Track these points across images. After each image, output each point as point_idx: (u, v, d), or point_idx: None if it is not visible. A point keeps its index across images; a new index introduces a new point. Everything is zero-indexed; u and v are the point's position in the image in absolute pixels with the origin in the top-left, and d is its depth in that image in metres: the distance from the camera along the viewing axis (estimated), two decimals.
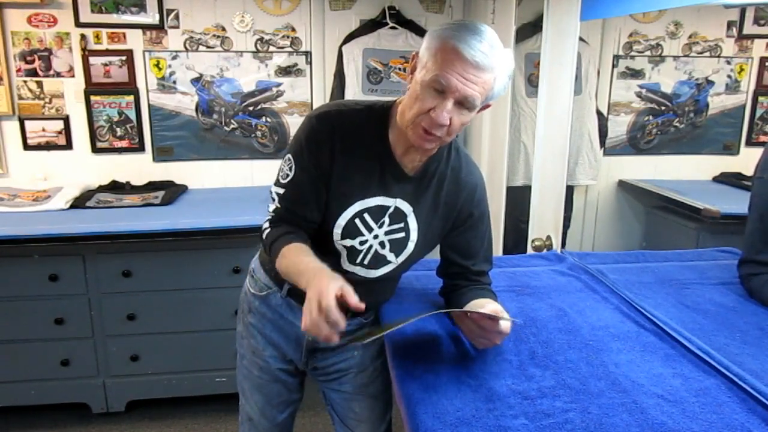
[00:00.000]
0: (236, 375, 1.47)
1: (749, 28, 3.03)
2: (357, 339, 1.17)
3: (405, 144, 1.13)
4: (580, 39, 2.07)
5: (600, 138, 2.92)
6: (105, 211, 2.39)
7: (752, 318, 1.31)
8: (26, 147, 2.66)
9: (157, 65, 2.69)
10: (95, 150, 2.72)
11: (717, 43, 3.04)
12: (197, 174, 2.85)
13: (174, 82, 2.72)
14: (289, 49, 2.79)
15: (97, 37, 2.60)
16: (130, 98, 2.69)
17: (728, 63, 3.07)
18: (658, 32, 3.00)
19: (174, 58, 2.70)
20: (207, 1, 2.67)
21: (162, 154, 2.79)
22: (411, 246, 1.23)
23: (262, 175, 2.89)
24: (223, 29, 2.71)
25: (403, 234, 1.21)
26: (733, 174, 3.11)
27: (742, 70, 3.08)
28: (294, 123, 2.84)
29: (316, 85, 2.85)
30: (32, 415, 2.42)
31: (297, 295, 1.26)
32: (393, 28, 2.74)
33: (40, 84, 2.62)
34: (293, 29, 2.77)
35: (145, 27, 2.64)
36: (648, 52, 3.02)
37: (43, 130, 2.66)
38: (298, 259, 1.11)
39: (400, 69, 2.76)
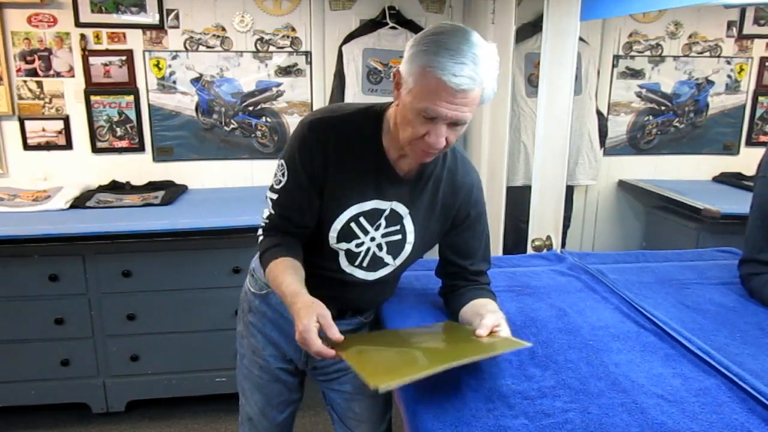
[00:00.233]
0: (236, 375, 1.47)
1: (749, 28, 3.03)
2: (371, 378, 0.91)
3: (399, 148, 1.12)
4: (580, 39, 2.07)
5: (600, 138, 2.92)
6: (105, 211, 2.38)
7: (752, 318, 1.31)
8: (26, 147, 2.66)
9: (157, 65, 2.69)
10: (95, 150, 2.72)
11: (717, 43, 3.04)
12: (197, 174, 2.85)
13: (174, 82, 2.72)
14: (289, 49, 2.79)
15: (97, 37, 2.60)
16: (130, 98, 2.69)
17: (728, 63, 3.07)
18: (658, 32, 3.00)
19: (174, 58, 2.70)
20: (207, 1, 2.67)
21: (162, 154, 2.79)
22: (408, 248, 1.23)
23: (262, 175, 2.89)
24: (223, 29, 2.71)
25: (399, 236, 1.21)
26: (733, 174, 3.11)
27: (742, 70, 3.08)
28: (294, 123, 2.83)
29: (316, 85, 2.85)
30: (32, 415, 2.42)
31: None
32: (393, 28, 2.75)
33: (40, 84, 2.62)
34: (293, 29, 2.77)
35: (145, 27, 2.64)
36: (648, 52, 3.02)
37: (43, 130, 2.65)
38: (282, 278, 1.12)
39: None
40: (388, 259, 1.23)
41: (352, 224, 1.17)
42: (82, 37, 2.58)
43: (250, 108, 2.82)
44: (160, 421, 2.45)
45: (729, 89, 3.10)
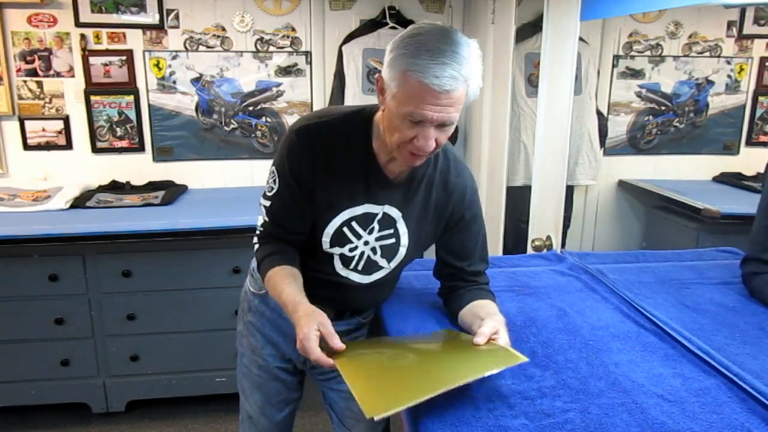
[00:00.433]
0: (236, 374, 1.47)
1: (749, 28, 3.03)
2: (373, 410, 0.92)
3: (389, 152, 1.11)
4: (580, 39, 2.07)
5: (600, 138, 2.92)
6: (105, 211, 2.39)
7: (752, 318, 1.31)
8: (26, 147, 2.66)
9: (157, 65, 2.69)
10: (95, 150, 2.72)
11: (717, 43, 3.04)
12: (197, 174, 2.85)
13: (174, 82, 2.72)
14: (289, 49, 2.79)
15: (97, 37, 2.60)
16: (130, 98, 2.69)
17: (728, 63, 3.07)
18: (658, 32, 3.00)
19: (174, 58, 2.70)
20: (207, 1, 2.67)
21: (162, 154, 2.79)
22: (402, 251, 1.23)
23: (262, 175, 2.84)
24: (223, 29, 2.71)
25: (393, 240, 1.21)
26: (733, 174, 3.11)
27: (742, 70, 3.08)
28: None
29: (316, 85, 2.85)
30: (32, 415, 2.42)
31: None
32: (393, 28, 2.74)
33: (40, 84, 2.62)
34: (293, 29, 2.77)
35: (145, 27, 2.64)
36: (648, 52, 3.02)
37: (43, 130, 2.66)
38: (281, 287, 1.13)
39: None
40: (382, 262, 1.22)
41: (345, 229, 1.17)
42: (82, 37, 2.58)
43: (250, 108, 2.82)
44: (160, 421, 2.45)
45: (729, 89, 3.10)
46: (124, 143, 2.74)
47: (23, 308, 2.23)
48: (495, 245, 2.41)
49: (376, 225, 1.18)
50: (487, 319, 1.11)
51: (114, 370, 2.37)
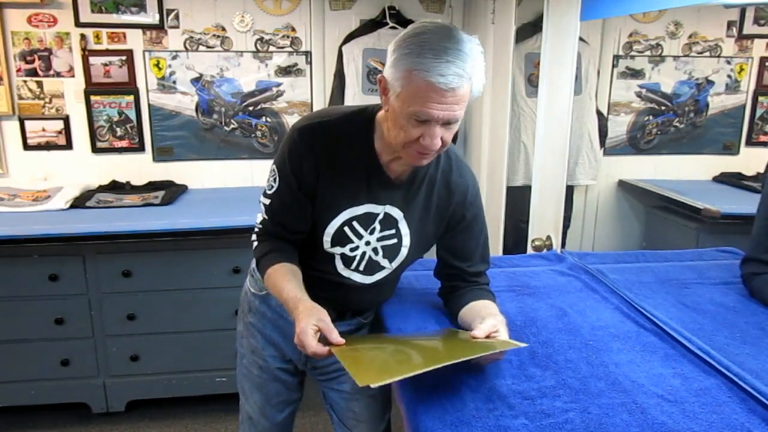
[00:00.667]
0: (236, 374, 1.47)
1: (749, 28, 3.03)
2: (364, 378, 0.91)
3: (392, 151, 1.11)
4: (580, 39, 2.07)
5: (600, 138, 2.92)
6: (105, 211, 2.38)
7: (752, 318, 1.31)
8: (26, 147, 2.66)
9: (157, 65, 2.69)
10: (95, 150, 2.72)
11: (717, 43, 3.04)
12: (197, 174, 2.85)
13: (174, 82, 2.72)
14: (289, 49, 2.79)
15: (97, 37, 2.60)
16: (130, 98, 2.69)
17: (728, 63, 3.07)
18: (658, 32, 3.00)
19: (174, 58, 2.70)
20: (207, 1, 2.67)
21: (162, 154, 2.79)
22: (404, 251, 1.23)
23: (262, 175, 2.87)
24: (223, 29, 2.71)
25: (395, 240, 1.20)
26: (733, 174, 3.11)
27: (742, 70, 3.08)
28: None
29: (316, 85, 2.85)
30: (32, 415, 2.42)
31: None
32: (393, 28, 2.74)
33: (40, 84, 2.62)
34: (293, 29, 2.77)
35: (145, 27, 2.64)
36: (648, 52, 3.02)
37: (43, 130, 2.65)
38: (281, 285, 1.13)
39: None
40: (384, 262, 1.22)
41: (346, 228, 1.17)
42: (82, 37, 2.58)
43: (250, 108, 2.82)
44: (160, 421, 2.45)
45: (729, 89, 3.10)
46: (124, 143, 2.74)
47: (23, 308, 2.23)
48: (495, 245, 2.41)
49: (377, 225, 1.18)
50: (488, 318, 1.11)
51: (114, 370, 2.37)
